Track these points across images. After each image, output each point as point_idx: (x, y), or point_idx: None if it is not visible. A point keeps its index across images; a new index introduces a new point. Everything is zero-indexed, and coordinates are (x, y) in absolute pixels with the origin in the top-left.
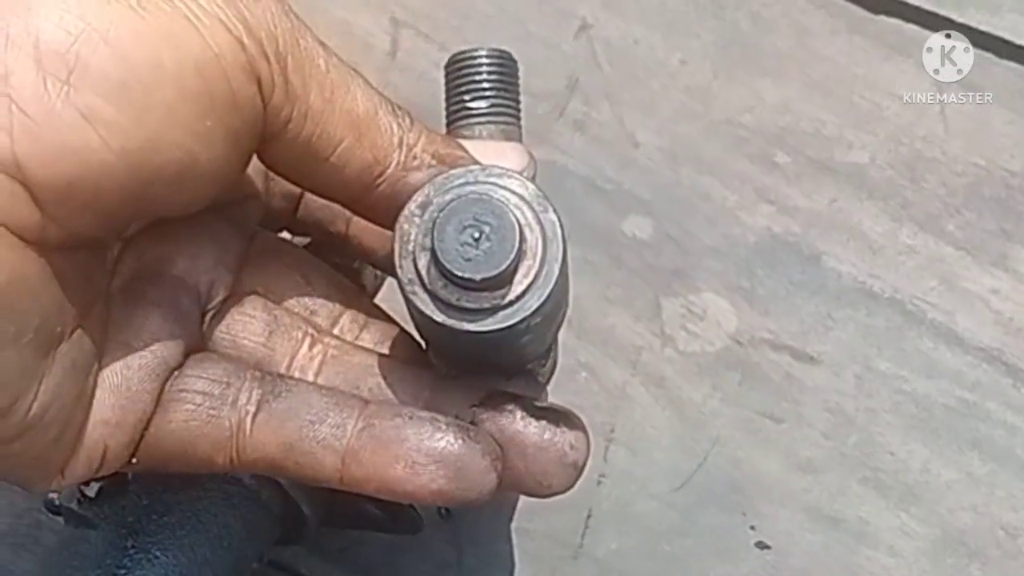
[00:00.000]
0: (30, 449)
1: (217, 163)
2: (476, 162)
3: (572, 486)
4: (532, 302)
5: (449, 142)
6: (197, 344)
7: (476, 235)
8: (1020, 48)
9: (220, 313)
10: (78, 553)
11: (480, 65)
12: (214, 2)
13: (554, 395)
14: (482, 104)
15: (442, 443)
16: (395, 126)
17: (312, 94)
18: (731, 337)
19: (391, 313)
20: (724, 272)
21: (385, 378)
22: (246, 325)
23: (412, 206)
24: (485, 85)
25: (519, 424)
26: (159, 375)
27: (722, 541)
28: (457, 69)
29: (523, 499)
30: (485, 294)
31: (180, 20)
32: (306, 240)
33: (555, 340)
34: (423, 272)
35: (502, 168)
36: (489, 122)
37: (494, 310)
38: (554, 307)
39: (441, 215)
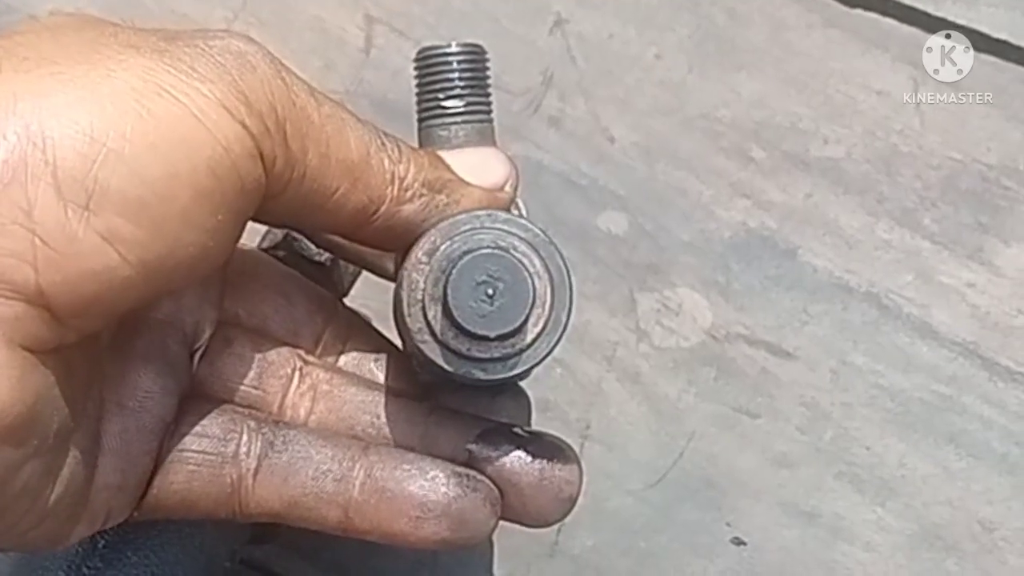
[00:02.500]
0: (47, 531)
1: (226, 244)
2: (462, 181)
3: (566, 517)
4: (542, 349)
5: (436, 164)
6: (188, 388)
7: (490, 291)
8: (997, 42)
9: (208, 352)
10: (49, 553)
11: (452, 61)
12: (215, 86)
13: (529, 391)
14: (457, 103)
15: (444, 496)
16: (387, 162)
17: (310, 153)
18: (706, 332)
19: (366, 312)
20: (699, 267)
21: (379, 416)
22: (236, 367)
23: (419, 253)
24: (459, 83)
25: (516, 465)
26: (156, 434)
27: (698, 537)
28: (428, 65)
29: None
30: (496, 344)
31: (188, 120)
32: (280, 236)
33: None
34: (433, 322)
35: (507, 213)
36: (465, 121)
37: (504, 359)
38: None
39: (454, 271)
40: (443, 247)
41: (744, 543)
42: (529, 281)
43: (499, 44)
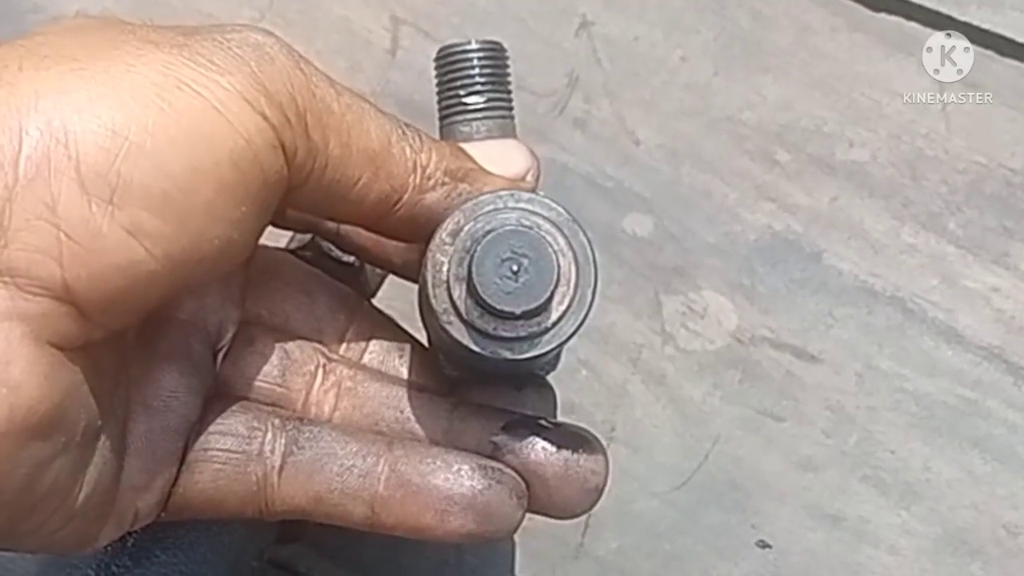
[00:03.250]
0: (75, 532)
1: (249, 237)
2: (484, 170)
3: (593, 507)
4: (568, 328)
5: (457, 154)
6: (212, 388)
7: (515, 268)
8: (1021, 46)
9: (232, 351)
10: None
11: (473, 58)
12: (234, 78)
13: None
14: (478, 99)
15: (470, 489)
16: (408, 151)
17: (331, 143)
18: (732, 335)
19: (391, 312)
20: (725, 270)
21: (403, 411)
22: (259, 366)
23: (443, 234)
24: (479, 79)
25: (540, 456)
26: (181, 434)
27: (723, 540)
28: (449, 62)
29: None
30: (522, 323)
31: (209, 113)
32: (308, 237)
33: None
34: (459, 302)
35: (530, 192)
36: (486, 117)
37: (531, 338)
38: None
39: (479, 248)
40: (467, 227)
41: (769, 546)
42: (554, 257)
43: (524, 45)
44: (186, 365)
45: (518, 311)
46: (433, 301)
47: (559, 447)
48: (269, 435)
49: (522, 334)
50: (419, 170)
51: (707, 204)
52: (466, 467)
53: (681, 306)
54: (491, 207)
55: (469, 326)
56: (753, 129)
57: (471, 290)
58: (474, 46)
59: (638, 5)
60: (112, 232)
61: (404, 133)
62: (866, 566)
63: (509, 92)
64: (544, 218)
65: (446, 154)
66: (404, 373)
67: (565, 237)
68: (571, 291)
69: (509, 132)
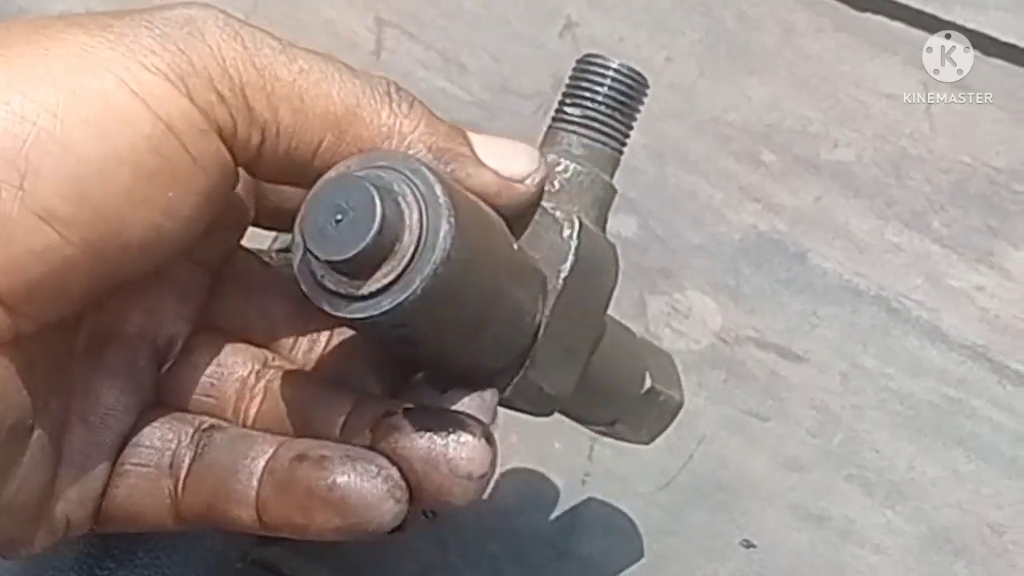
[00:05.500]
0: (7, 532)
1: (186, 223)
2: (476, 159)
3: (476, 498)
4: (384, 303)
5: (453, 135)
6: (150, 401)
7: (338, 217)
8: (1006, 45)
9: (174, 364)
10: (59, 554)
11: (607, 76)
12: (157, 58)
13: None
14: (590, 114)
15: (327, 481)
16: (384, 115)
17: (280, 110)
18: (716, 335)
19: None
20: (709, 270)
21: (307, 408)
22: (193, 375)
23: (330, 173)
24: (603, 99)
25: (406, 439)
26: (115, 449)
27: (708, 540)
28: (586, 71)
29: (508, 497)
30: (343, 280)
31: (125, 96)
32: (290, 238)
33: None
34: (296, 236)
35: (421, 162)
36: (591, 138)
37: (348, 298)
38: (435, 322)
39: (320, 190)
40: (340, 170)
41: (754, 546)
42: (378, 221)
43: (510, 47)
44: (128, 381)
45: (322, 257)
46: (293, 231)
47: (425, 430)
48: (179, 447)
49: (341, 291)
50: (396, 136)
51: (692, 205)
52: (329, 458)
53: (666, 306)
54: (374, 162)
55: (302, 264)
56: (738, 130)
57: (301, 225)
58: (615, 65)
59: (623, 6)
60: (23, 217)
61: (384, 96)
62: (851, 566)
63: (629, 127)
64: (415, 187)
65: (439, 132)
66: (347, 375)
67: (426, 216)
68: (400, 268)
69: (604, 162)
